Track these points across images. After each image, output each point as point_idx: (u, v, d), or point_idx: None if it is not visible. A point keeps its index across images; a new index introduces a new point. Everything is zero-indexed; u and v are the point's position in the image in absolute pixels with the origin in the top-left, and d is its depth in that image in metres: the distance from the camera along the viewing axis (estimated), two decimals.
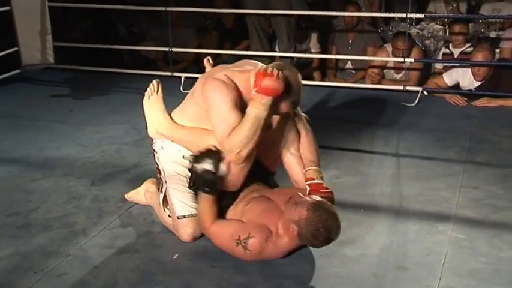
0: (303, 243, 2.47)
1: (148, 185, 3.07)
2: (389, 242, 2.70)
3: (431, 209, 3.02)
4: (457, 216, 2.94)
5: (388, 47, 5.42)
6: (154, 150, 2.87)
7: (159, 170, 2.85)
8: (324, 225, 2.32)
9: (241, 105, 2.49)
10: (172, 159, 2.75)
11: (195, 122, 2.69)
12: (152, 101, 2.92)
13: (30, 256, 2.62)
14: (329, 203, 2.43)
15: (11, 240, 2.76)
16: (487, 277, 2.43)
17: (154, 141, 2.88)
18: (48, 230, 2.85)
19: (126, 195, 3.12)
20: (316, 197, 2.43)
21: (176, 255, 2.62)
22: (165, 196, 2.79)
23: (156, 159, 2.86)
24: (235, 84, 2.52)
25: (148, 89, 2.96)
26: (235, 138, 2.42)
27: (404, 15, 4.93)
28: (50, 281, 2.45)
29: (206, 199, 2.54)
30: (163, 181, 2.80)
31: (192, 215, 2.67)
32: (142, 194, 3.06)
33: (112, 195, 3.20)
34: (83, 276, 2.47)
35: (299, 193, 2.46)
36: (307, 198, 2.41)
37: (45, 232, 2.83)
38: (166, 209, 2.80)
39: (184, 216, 2.68)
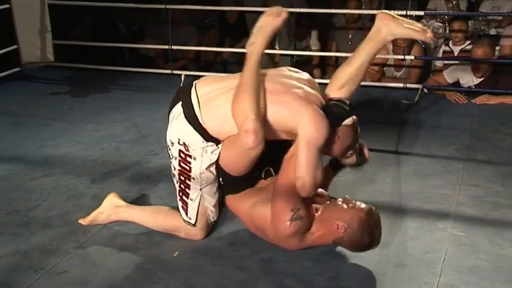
0: (331, 243, 2.49)
1: (115, 200, 2.85)
2: (389, 239, 2.69)
3: (431, 206, 3.02)
4: (457, 214, 2.94)
5: (388, 45, 5.40)
6: (188, 155, 2.55)
7: (186, 175, 2.59)
8: (370, 233, 2.40)
9: None
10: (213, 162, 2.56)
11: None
12: None
13: (30, 254, 2.62)
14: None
15: (10, 238, 2.76)
16: (487, 274, 2.43)
17: (191, 146, 2.54)
18: (48, 228, 2.85)
19: (81, 221, 2.84)
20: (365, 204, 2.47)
21: (176, 252, 2.62)
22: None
23: (187, 164, 2.57)
24: None
25: None
26: None
27: (404, 12, 4.92)
28: (49, 279, 2.45)
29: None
30: (198, 187, 2.60)
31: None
32: (108, 211, 2.82)
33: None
34: (82, 274, 2.47)
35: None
36: (360, 203, 2.45)
37: (45, 230, 2.83)
38: (184, 214, 2.67)
39: (213, 221, 2.72)
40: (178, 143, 2.53)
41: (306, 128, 2.33)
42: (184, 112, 2.52)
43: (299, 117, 2.35)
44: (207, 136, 2.49)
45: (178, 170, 2.59)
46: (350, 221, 2.38)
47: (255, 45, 2.43)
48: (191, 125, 2.48)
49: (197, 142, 2.50)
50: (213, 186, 2.62)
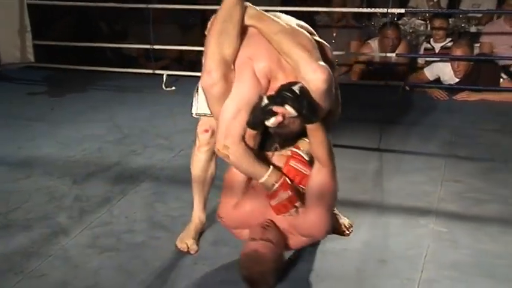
0: None
1: None
2: (371, 236, 2.71)
3: (413, 203, 3.04)
4: (439, 210, 2.95)
5: (372, 43, 5.43)
6: None
7: None
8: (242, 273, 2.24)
9: None
10: None
11: None
12: None
13: (10, 257, 2.59)
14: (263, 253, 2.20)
15: None
16: (468, 269, 2.44)
17: None
18: (28, 230, 2.82)
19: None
20: (255, 244, 2.22)
21: None
22: None
23: None
24: None
25: None
26: None
27: (385, 10, 4.95)
28: (30, 282, 2.42)
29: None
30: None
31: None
32: None
33: (93, 194, 3.17)
34: (64, 277, 2.45)
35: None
36: (252, 242, 2.24)
37: (25, 232, 2.80)
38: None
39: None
40: None
41: None
42: None
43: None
44: None
45: None
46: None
47: None
48: None
49: None
50: None
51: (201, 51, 6.28)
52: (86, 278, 2.44)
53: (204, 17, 6.28)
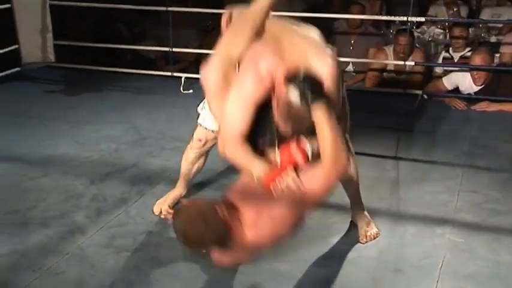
0: None
1: None
2: (387, 244, 2.70)
3: (429, 212, 3.02)
4: (456, 220, 2.94)
5: (388, 50, 5.42)
6: None
7: None
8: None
9: None
10: None
11: None
12: None
13: (28, 254, 2.62)
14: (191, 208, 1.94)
15: (9, 238, 2.76)
16: (485, 281, 2.43)
17: None
18: (46, 228, 2.85)
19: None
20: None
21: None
22: None
23: None
24: None
25: None
26: None
27: (405, 18, 4.93)
28: (47, 279, 2.44)
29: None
30: None
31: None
32: None
33: (110, 194, 3.19)
34: (80, 275, 2.47)
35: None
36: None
37: (43, 230, 2.83)
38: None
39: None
40: None
41: None
42: None
43: None
44: None
45: None
46: None
47: None
48: None
49: None
50: None
51: None
52: (102, 277, 2.46)
53: None
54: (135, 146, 3.96)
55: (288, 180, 1.93)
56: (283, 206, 1.93)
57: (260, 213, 1.95)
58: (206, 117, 2.78)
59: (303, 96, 1.95)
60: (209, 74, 2.14)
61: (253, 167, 2.01)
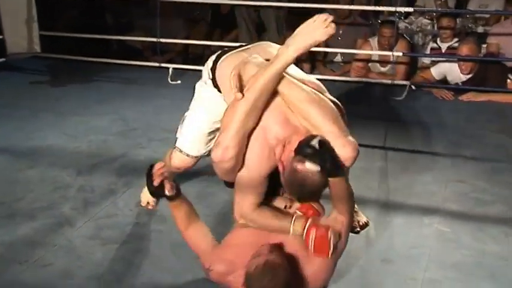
0: None
1: None
2: (375, 234, 2.71)
3: (417, 202, 3.04)
4: (443, 210, 2.96)
5: (372, 41, 5.42)
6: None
7: None
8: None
9: None
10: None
11: None
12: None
13: (15, 246, 2.60)
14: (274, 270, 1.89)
15: None
16: (470, 270, 2.45)
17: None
18: (33, 220, 2.83)
19: None
20: (262, 258, 1.91)
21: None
22: None
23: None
24: None
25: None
26: None
27: (393, 8, 4.94)
28: (35, 271, 2.43)
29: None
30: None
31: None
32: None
33: (98, 186, 3.18)
34: (68, 267, 2.46)
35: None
36: (256, 258, 1.93)
37: (30, 222, 2.81)
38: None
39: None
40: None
41: None
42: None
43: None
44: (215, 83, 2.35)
45: None
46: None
47: (289, 50, 2.01)
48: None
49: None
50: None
51: (207, 46, 6.22)
52: (90, 269, 2.45)
53: (213, 10, 6.30)
54: (123, 137, 3.94)
55: (332, 236, 1.98)
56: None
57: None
58: (185, 142, 2.54)
59: (321, 165, 1.91)
60: (225, 156, 2.00)
61: (288, 225, 2.03)
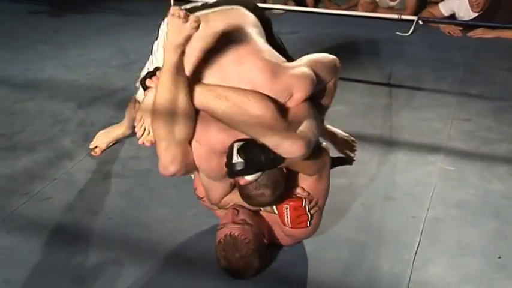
0: None
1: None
2: (378, 172, 2.69)
3: (422, 140, 3.00)
4: (448, 148, 2.92)
5: None
6: None
7: None
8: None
9: None
10: None
11: None
12: None
13: (16, 179, 2.59)
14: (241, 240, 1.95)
15: None
16: (475, 209, 2.43)
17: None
18: (33, 153, 2.81)
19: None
20: (227, 229, 1.98)
21: None
22: None
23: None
24: None
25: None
26: None
27: None
28: (35, 204, 2.42)
29: None
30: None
31: None
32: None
33: (98, 119, 3.13)
34: (69, 200, 2.45)
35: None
36: (223, 229, 2.00)
37: (30, 155, 2.78)
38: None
39: None
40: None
41: None
42: None
43: None
44: None
45: None
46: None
47: (167, 55, 1.85)
48: None
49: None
50: None
51: None
52: (91, 203, 2.44)
53: None
54: (123, 70, 3.86)
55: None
56: None
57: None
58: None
59: (257, 167, 1.80)
60: (169, 173, 1.89)
61: None
